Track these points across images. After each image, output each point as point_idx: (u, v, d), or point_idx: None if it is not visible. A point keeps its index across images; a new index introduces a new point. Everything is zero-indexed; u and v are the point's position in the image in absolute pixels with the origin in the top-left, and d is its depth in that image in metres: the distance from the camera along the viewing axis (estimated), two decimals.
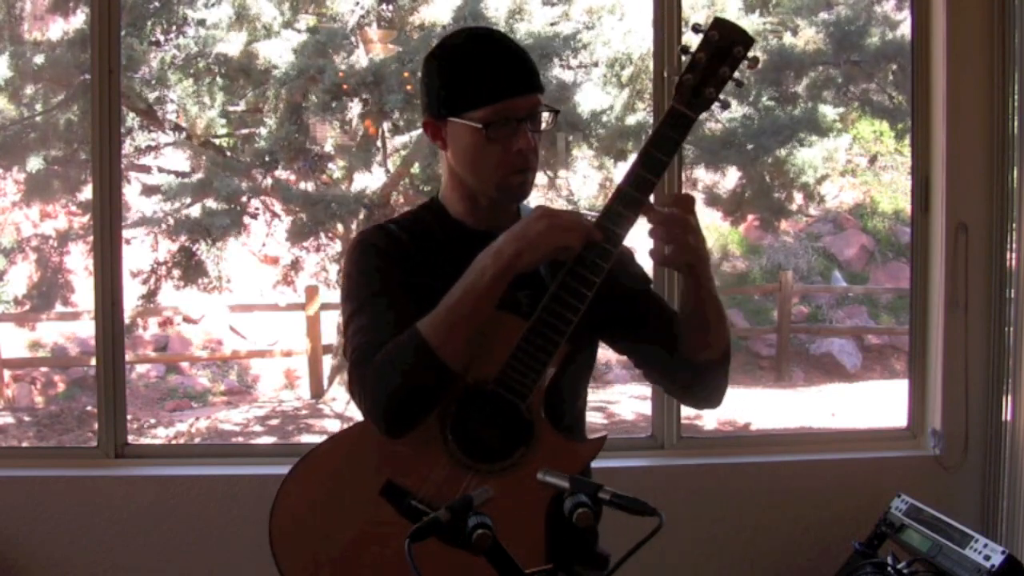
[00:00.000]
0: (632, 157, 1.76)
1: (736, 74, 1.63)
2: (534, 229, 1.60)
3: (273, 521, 1.71)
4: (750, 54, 1.61)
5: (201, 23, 8.26)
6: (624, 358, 1.97)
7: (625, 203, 1.62)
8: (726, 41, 1.60)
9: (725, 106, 1.64)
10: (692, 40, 1.64)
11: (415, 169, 8.50)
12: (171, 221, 8.60)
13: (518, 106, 1.68)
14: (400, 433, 1.66)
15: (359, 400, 1.67)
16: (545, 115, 1.74)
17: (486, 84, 1.67)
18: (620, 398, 9.87)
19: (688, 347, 1.75)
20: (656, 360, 1.83)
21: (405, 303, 1.68)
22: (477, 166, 1.72)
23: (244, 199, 8.70)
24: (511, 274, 1.61)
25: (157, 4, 8.60)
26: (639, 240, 1.74)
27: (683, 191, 3.31)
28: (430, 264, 1.74)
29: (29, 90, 8.74)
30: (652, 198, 1.64)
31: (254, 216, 8.91)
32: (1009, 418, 3.17)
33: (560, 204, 8.40)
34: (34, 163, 8.90)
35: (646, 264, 1.85)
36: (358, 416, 1.77)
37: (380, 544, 1.67)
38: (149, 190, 9.03)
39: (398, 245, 1.77)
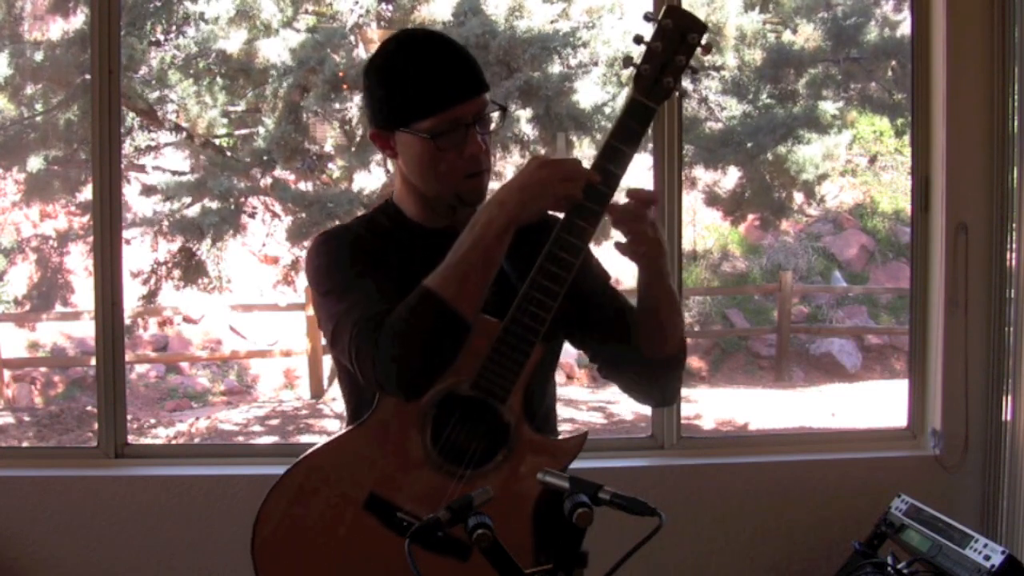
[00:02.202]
0: None
1: (692, 61, 1.61)
2: (536, 178, 1.58)
3: (256, 540, 1.68)
4: (703, 41, 1.60)
5: (201, 18, 8.26)
6: None
7: (590, 197, 1.59)
8: (680, 29, 1.59)
9: (683, 95, 1.63)
10: (647, 30, 1.62)
11: None
12: (171, 221, 8.60)
13: (465, 111, 1.65)
14: (418, 394, 1.62)
15: (370, 367, 1.59)
16: (494, 114, 1.72)
17: (430, 93, 1.63)
18: (620, 398, 9.86)
19: (644, 341, 1.73)
20: (612, 354, 1.81)
21: (387, 287, 1.65)
22: (429, 175, 1.70)
23: (243, 199, 8.71)
24: (515, 226, 1.59)
25: (157, 4, 8.61)
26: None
27: (682, 190, 3.32)
28: (395, 263, 1.71)
29: (29, 90, 8.75)
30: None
31: (251, 215, 8.92)
32: (1009, 418, 3.17)
33: None
34: (34, 163, 8.91)
35: (606, 259, 1.86)
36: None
37: (365, 558, 1.64)
38: (148, 190, 9.04)
39: (364, 241, 1.74)
